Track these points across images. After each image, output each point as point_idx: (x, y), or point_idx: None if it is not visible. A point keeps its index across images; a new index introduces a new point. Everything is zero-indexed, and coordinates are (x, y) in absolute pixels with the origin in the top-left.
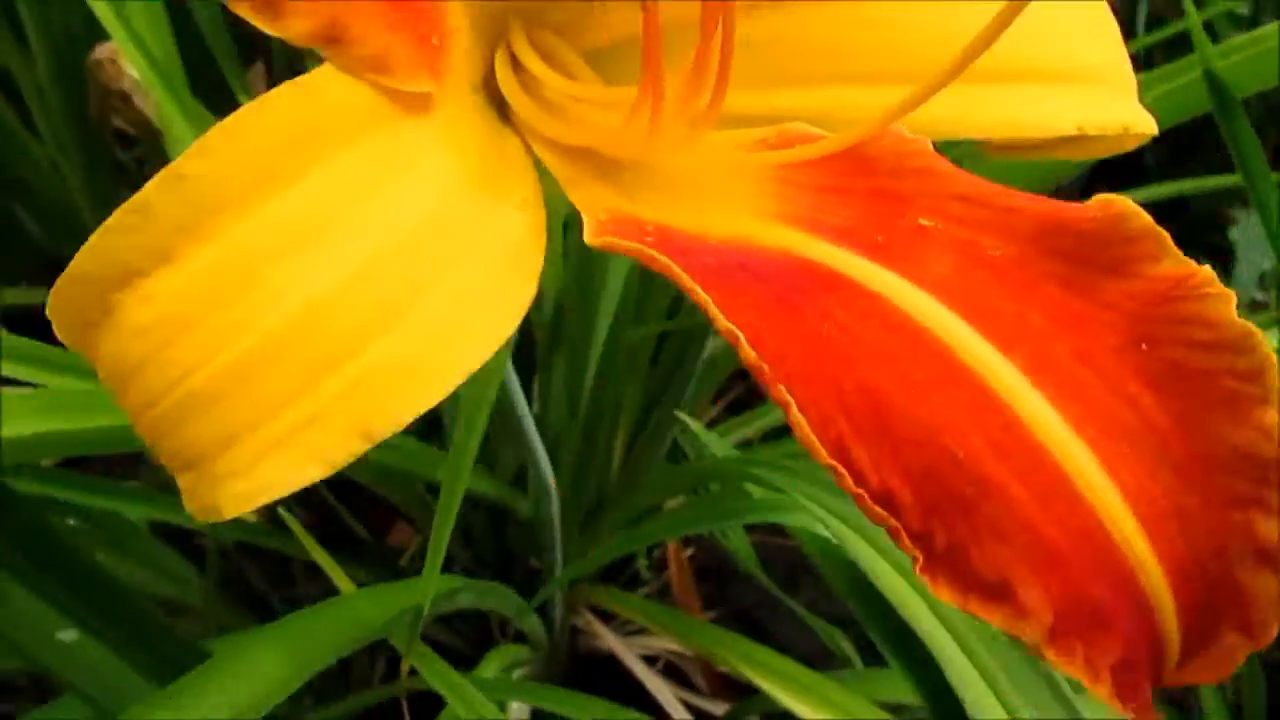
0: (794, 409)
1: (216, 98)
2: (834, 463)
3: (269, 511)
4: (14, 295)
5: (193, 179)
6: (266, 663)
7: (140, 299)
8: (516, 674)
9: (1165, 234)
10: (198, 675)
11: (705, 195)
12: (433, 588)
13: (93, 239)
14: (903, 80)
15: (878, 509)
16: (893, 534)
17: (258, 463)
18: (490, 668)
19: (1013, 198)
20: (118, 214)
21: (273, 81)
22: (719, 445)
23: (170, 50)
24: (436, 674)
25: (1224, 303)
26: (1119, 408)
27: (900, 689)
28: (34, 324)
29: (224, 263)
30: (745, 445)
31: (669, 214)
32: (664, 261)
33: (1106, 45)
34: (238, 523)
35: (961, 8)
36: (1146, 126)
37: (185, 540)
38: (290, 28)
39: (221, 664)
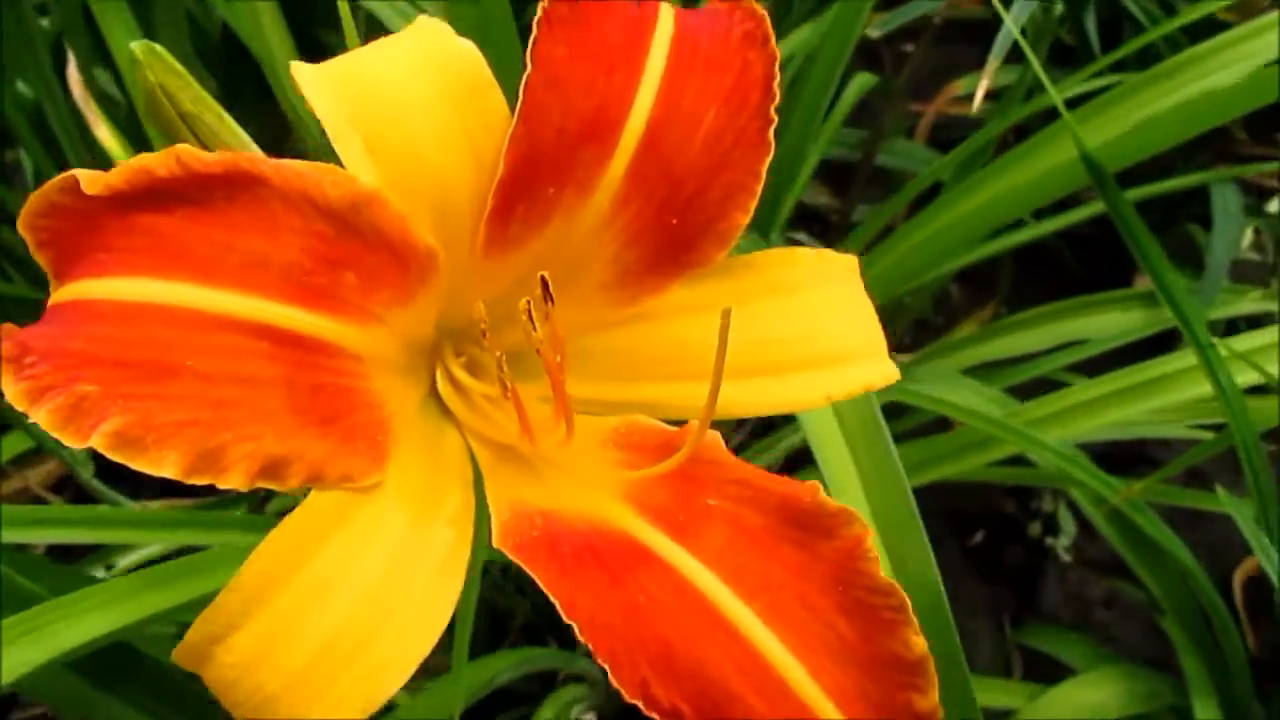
0: (602, 657)
1: None
2: (637, 699)
3: None
4: None
5: (247, 578)
6: None
7: (226, 649)
8: (575, 710)
9: (855, 510)
10: None
11: (580, 479)
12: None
13: (204, 615)
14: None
15: None
16: None
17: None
18: (550, 709)
19: (768, 480)
20: (218, 598)
21: None
22: None
23: None
24: None
25: (879, 563)
26: (824, 630)
27: None
28: None
29: (272, 625)
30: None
31: (556, 497)
32: (537, 576)
33: (860, 326)
34: None
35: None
36: (888, 379)
37: None
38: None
39: None
